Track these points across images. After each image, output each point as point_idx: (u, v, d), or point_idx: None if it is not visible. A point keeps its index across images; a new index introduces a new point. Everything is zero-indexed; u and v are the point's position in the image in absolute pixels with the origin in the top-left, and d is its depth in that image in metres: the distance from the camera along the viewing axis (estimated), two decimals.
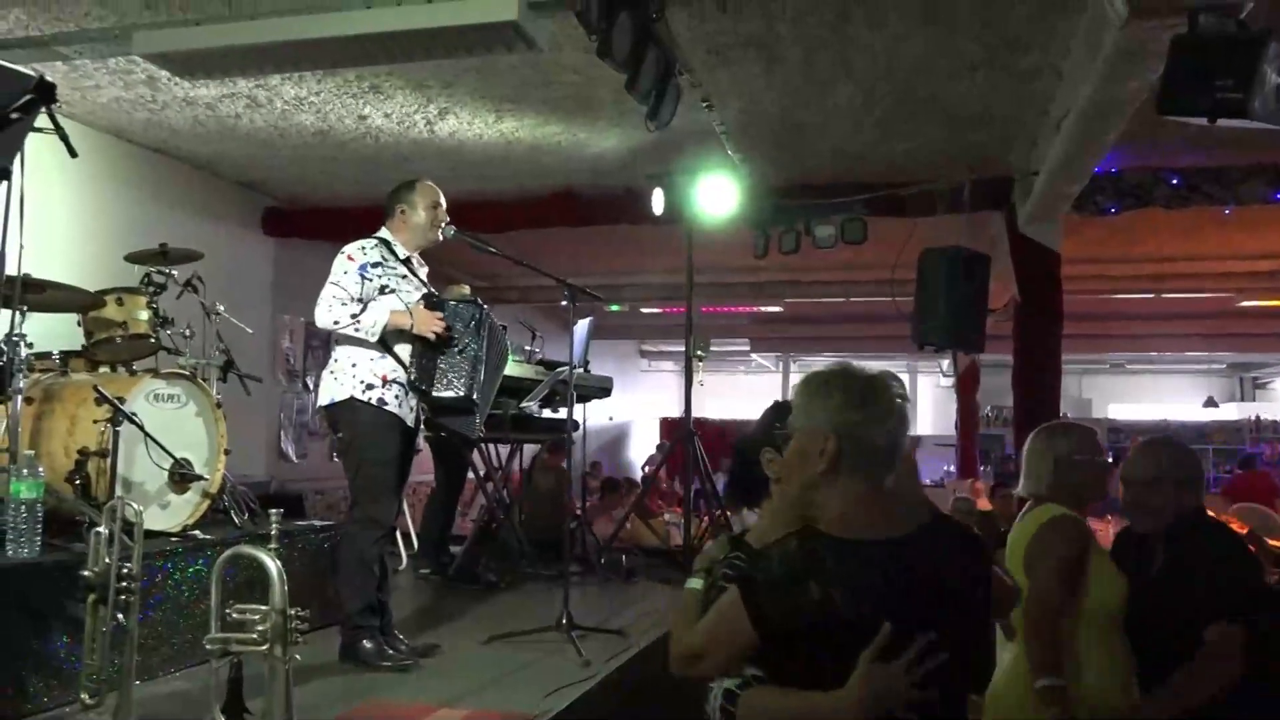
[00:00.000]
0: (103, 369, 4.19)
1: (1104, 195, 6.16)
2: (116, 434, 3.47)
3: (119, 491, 3.42)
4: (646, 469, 8.14)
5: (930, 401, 18.65)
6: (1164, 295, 10.25)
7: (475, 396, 3.66)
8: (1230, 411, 17.03)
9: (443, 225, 3.77)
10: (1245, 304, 10.80)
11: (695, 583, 1.86)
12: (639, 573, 5.69)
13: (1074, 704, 2.37)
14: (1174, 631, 2.45)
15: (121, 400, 3.51)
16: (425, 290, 3.74)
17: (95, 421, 3.55)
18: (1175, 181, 6.07)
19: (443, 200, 3.80)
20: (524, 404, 5.33)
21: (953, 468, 12.63)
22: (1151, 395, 18.07)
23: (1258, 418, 16.02)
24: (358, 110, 5.52)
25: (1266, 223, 7.22)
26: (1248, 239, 8.06)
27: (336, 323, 3.54)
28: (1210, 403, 17.27)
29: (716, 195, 6.12)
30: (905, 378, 18.82)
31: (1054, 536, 2.48)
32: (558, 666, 3.45)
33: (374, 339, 3.54)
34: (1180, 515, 2.56)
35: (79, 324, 4.23)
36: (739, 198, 6.18)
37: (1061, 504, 2.57)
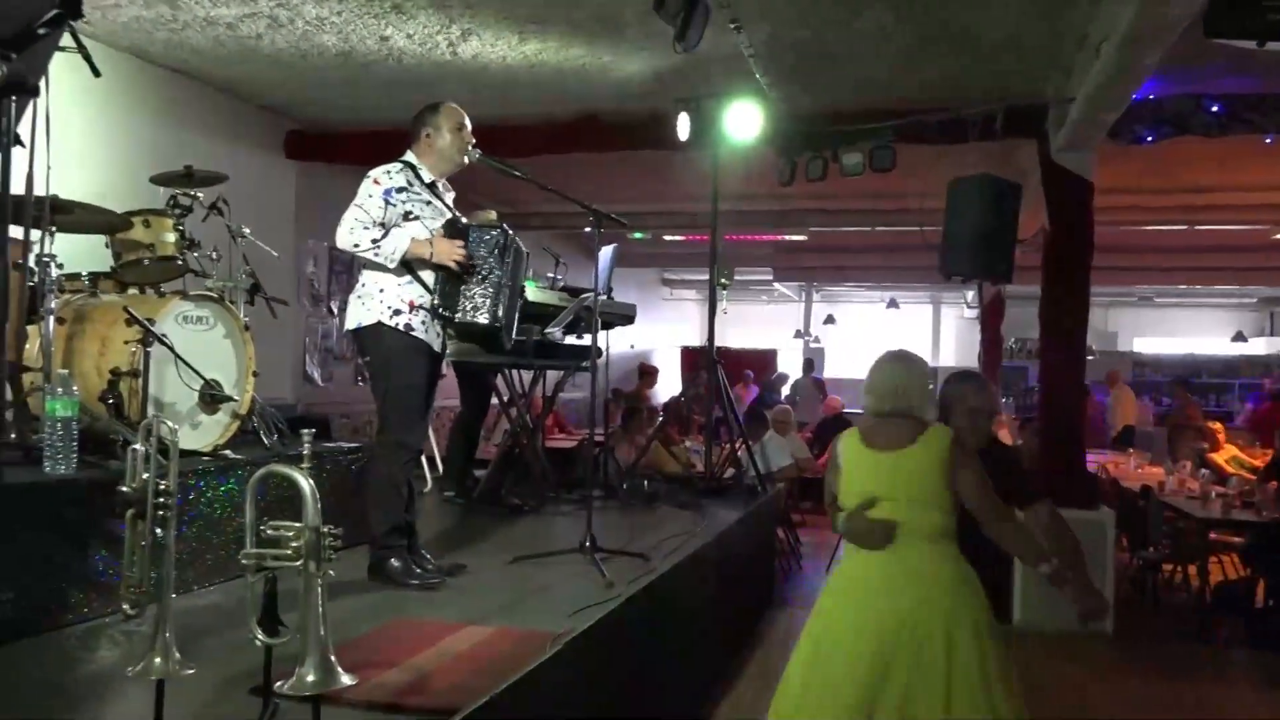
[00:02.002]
0: (131, 290, 4.22)
1: (1141, 123, 6.01)
2: (148, 354, 3.52)
3: (151, 411, 3.47)
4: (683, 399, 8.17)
5: (953, 332, 18.53)
6: (1197, 227, 10.06)
7: (499, 323, 3.67)
8: (1259, 346, 16.83)
9: (469, 148, 3.73)
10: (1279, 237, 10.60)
11: None
12: (660, 498, 5.76)
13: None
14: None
15: (151, 321, 3.54)
16: (450, 216, 3.72)
17: (126, 342, 3.59)
18: (1216, 109, 5.90)
19: (468, 123, 3.75)
20: (548, 330, 5.33)
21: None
22: (1179, 329, 17.86)
23: None
24: (379, 31, 5.44)
25: None
26: None
27: (356, 245, 3.53)
28: (1239, 337, 17.05)
29: (743, 121, 6.03)
30: (928, 308, 18.74)
31: (968, 450, 2.86)
32: (582, 587, 3.52)
33: (393, 265, 3.53)
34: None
35: (107, 245, 4.26)
36: (766, 123, 6.09)
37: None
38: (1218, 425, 9.30)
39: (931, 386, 2.96)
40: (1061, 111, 5.82)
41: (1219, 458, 8.60)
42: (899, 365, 2.93)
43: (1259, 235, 10.67)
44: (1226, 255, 12.24)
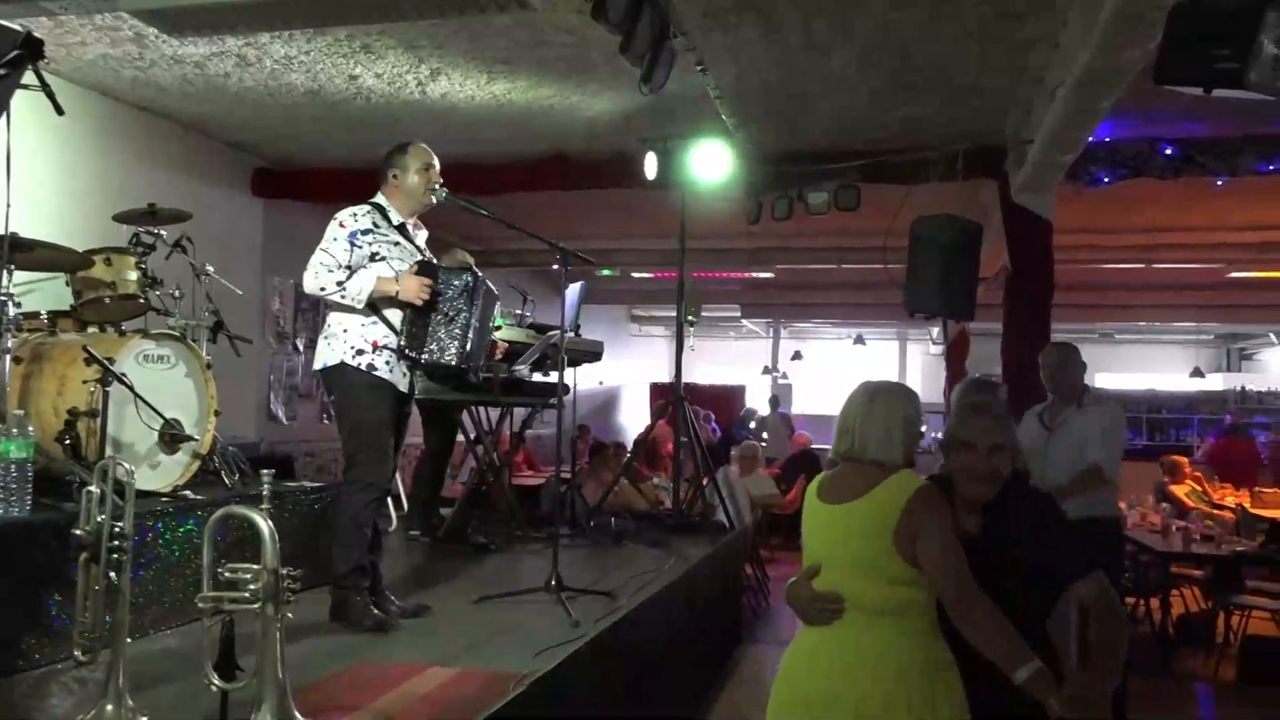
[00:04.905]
0: (91, 329, 4.18)
1: (1097, 165, 6.16)
2: (106, 394, 3.47)
3: (109, 451, 3.42)
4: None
5: (920, 369, 18.70)
6: (1154, 266, 10.28)
7: (467, 365, 3.67)
8: (1216, 382, 17.14)
9: (436, 188, 3.75)
10: (1235, 275, 10.84)
11: None
12: (628, 536, 5.74)
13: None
14: (1002, 592, 2.30)
15: (111, 360, 3.50)
16: (421, 257, 3.73)
17: (84, 382, 3.54)
18: (1169, 151, 6.06)
19: (436, 163, 3.77)
20: (515, 367, 5.33)
21: (941, 434, 12.70)
22: (1139, 365, 18.16)
23: (1243, 388, 16.13)
24: (348, 70, 5.46)
25: (1257, 194, 7.22)
26: (1238, 210, 8.07)
27: (323, 289, 3.53)
28: (1197, 373, 17.36)
29: (710, 161, 6.10)
30: (894, 345, 18.91)
31: (939, 506, 2.28)
32: (547, 627, 3.48)
33: (360, 305, 3.53)
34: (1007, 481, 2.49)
35: (67, 284, 4.21)
36: (733, 163, 6.16)
37: (912, 469, 2.39)
38: (1181, 459, 9.44)
39: (908, 421, 2.42)
40: (1021, 153, 5.95)
41: (1179, 491, 8.72)
42: (861, 398, 2.44)
43: (1214, 273, 10.90)
44: (1184, 293, 12.49)
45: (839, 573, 2.31)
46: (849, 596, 2.27)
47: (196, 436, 3.95)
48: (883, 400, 2.42)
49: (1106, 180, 6.24)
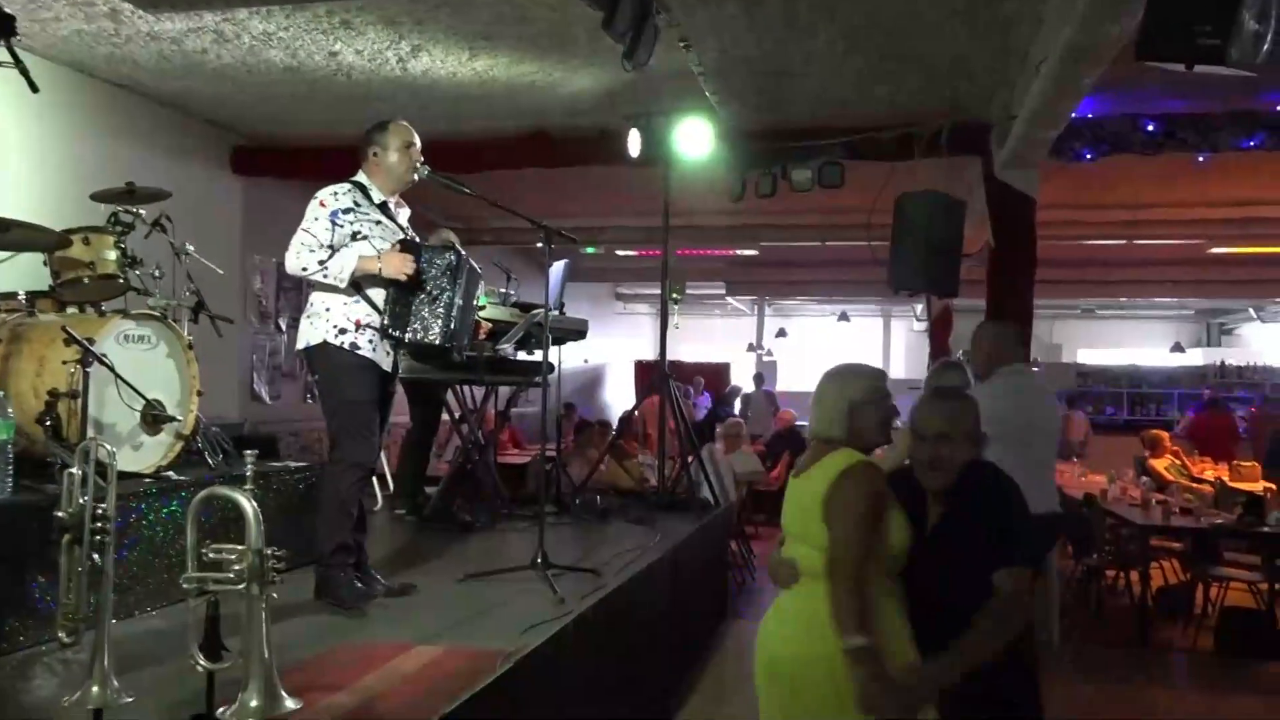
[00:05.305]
0: (70, 309, 4.14)
1: (1080, 141, 6.17)
2: (86, 375, 3.44)
3: (90, 433, 3.40)
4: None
5: (903, 345, 18.80)
6: (1136, 242, 10.33)
7: (451, 343, 3.66)
8: (1196, 357, 17.30)
9: (418, 166, 3.72)
10: (1215, 251, 10.91)
11: None
12: (613, 514, 5.76)
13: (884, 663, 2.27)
14: (952, 584, 2.39)
15: (91, 341, 3.47)
16: (403, 235, 3.71)
17: (64, 362, 3.51)
18: (1151, 128, 6.08)
19: (417, 140, 3.74)
20: (499, 346, 5.32)
21: None
22: (1120, 340, 18.30)
23: (1223, 363, 16.29)
24: (328, 46, 5.40)
25: (1238, 170, 7.26)
26: (1219, 186, 8.11)
27: (305, 269, 3.51)
28: (1177, 348, 17.52)
29: (694, 137, 6.08)
30: (879, 322, 18.99)
31: (858, 486, 2.37)
32: (533, 604, 3.50)
33: (343, 284, 3.51)
34: (966, 468, 2.49)
35: (45, 264, 4.17)
36: (716, 140, 6.14)
37: (857, 448, 2.48)
38: (1162, 433, 9.54)
39: (854, 402, 2.49)
40: (1005, 129, 5.95)
41: (1159, 465, 8.82)
42: (821, 380, 2.58)
43: (1195, 249, 10.98)
44: (1164, 269, 12.59)
45: (792, 540, 2.53)
46: (798, 561, 2.45)
47: (179, 417, 3.93)
48: (835, 382, 2.55)
49: (1089, 156, 6.25)
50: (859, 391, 2.51)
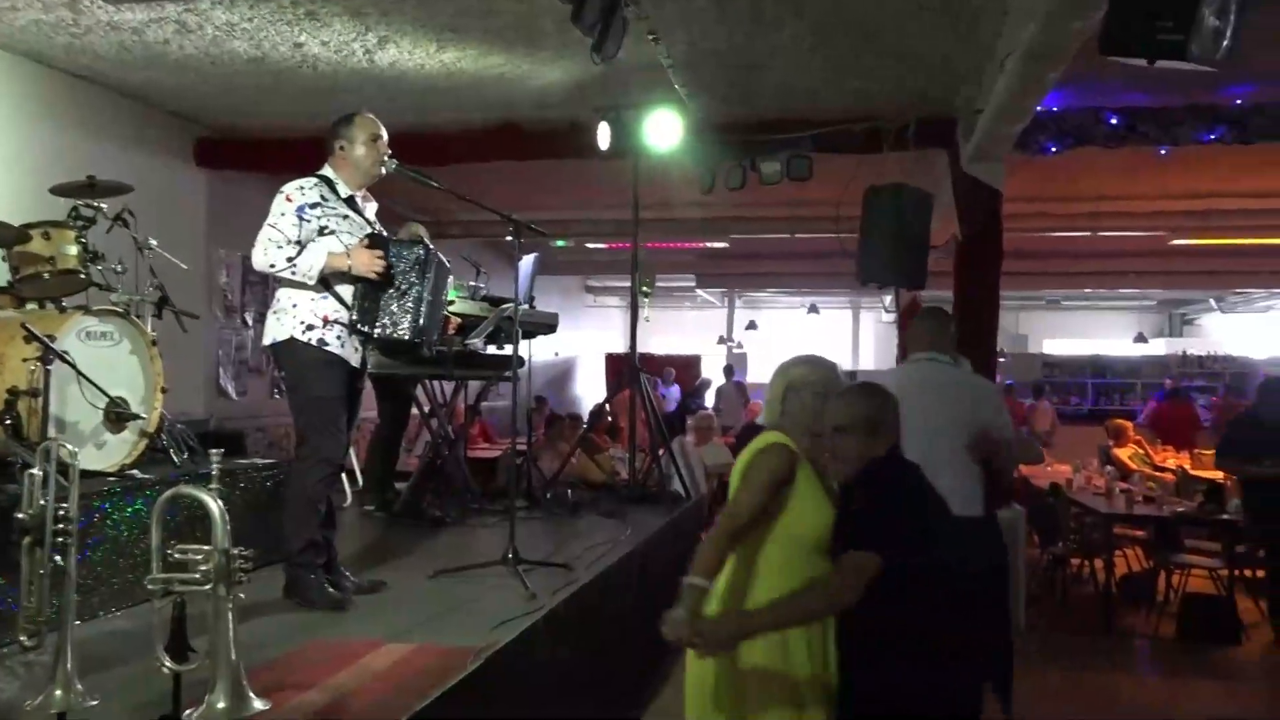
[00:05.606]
0: (30, 306, 4.06)
1: (1045, 134, 6.23)
2: (48, 373, 3.38)
3: (52, 432, 3.35)
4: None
5: (872, 337, 18.93)
6: (1100, 234, 10.47)
7: (420, 338, 3.63)
8: (1159, 347, 17.57)
9: (385, 159, 3.69)
10: (1177, 242, 11.08)
11: None
12: (584, 508, 5.76)
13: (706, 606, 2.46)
14: None
15: (52, 338, 3.41)
16: (371, 229, 3.67)
17: (24, 360, 3.45)
18: (1114, 121, 6.16)
19: (384, 133, 3.70)
20: (469, 340, 5.29)
21: None
22: (1085, 331, 18.55)
23: (1185, 353, 16.55)
24: (293, 38, 5.33)
25: (1199, 163, 7.37)
26: (1180, 179, 8.23)
27: (273, 266, 3.47)
28: (1140, 338, 17.78)
29: (663, 130, 6.07)
30: (848, 314, 19.09)
31: (762, 460, 2.57)
32: (504, 600, 3.50)
33: (312, 282, 3.48)
34: (870, 462, 2.49)
35: (4, 260, 4.08)
36: (685, 133, 6.14)
37: (786, 432, 2.60)
38: (1126, 423, 9.68)
39: (789, 389, 2.63)
40: (971, 123, 6.00)
41: (1123, 454, 8.95)
42: (774, 371, 2.76)
43: (1157, 240, 11.14)
44: (1127, 260, 12.76)
45: None
46: None
47: (143, 414, 3.87)
48: (779, 371, 2.72)
49: (1054, 149, 6.32)
50: (795, 378, 2.65)
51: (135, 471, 3.80)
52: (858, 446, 2.48)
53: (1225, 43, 2.85)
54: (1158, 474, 8.52)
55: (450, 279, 4.10)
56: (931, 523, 2.52)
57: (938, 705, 2.42)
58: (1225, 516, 6.65)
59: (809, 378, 2.64)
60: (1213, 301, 17.72)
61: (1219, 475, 7.35)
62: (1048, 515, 7.34)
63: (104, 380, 3.69)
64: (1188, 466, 8.72)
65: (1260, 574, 6.67)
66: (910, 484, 2.54)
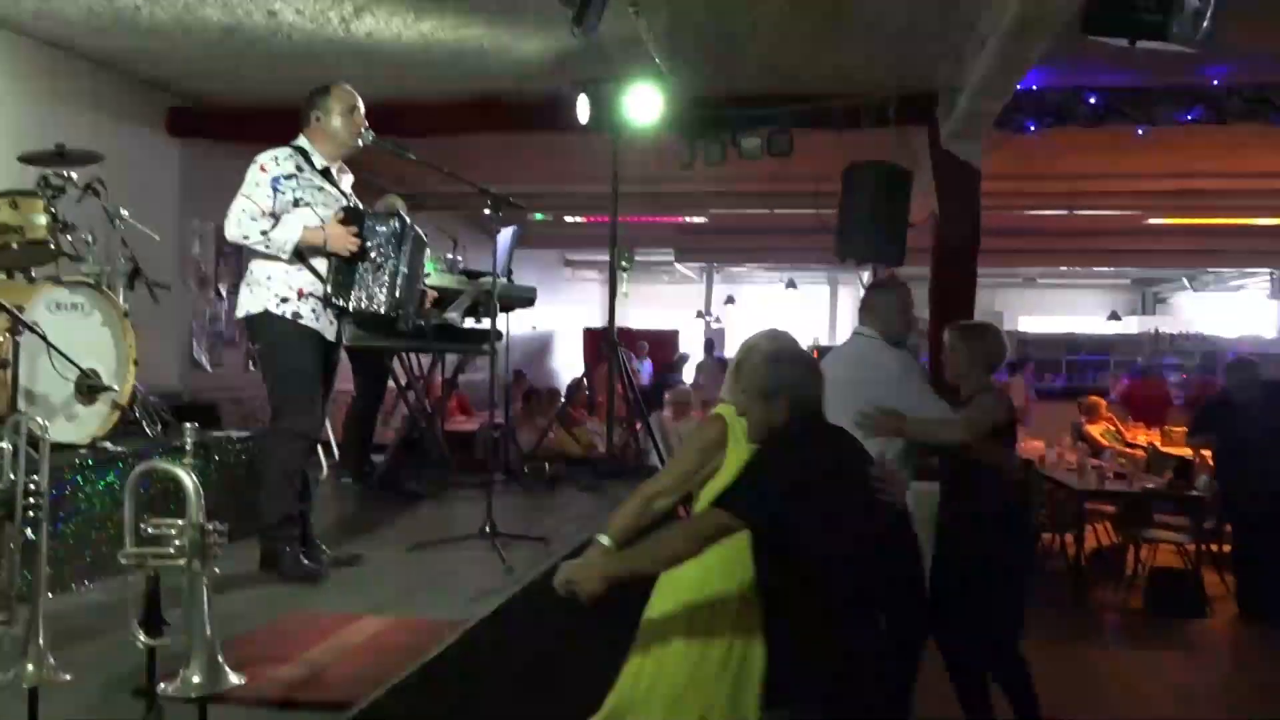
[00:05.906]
0: None
1: (1025, 113, 6.25)
2: (17, 344, 3.33)
3: (22, 404, 3.31)
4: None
5: (850, 313, 18.98)
6: (1076, 212, 10.53)
7: (396, 313, 3.60)
8: (1132, 325, 17.75)
9: (362, 131, 3.64)
10: (1152, 221, 11.17)
11: None
12: (561, 481, 5.76)
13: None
14: None
15: (21, 309, 3.36)
16: (346, 202, 3.63)
17: None
18: (1094, 101, 6.18)
19: (361, 105, 3.65)
20: (447, 314, 5.26)
21: None
22: (1060, 309, 18.71)
23: (1157, 331, 16.73)
24: (267, 5, 5.24)
25: (1175, 143, 7.41)
26: (1157, 159, 8.27)
27: (246, 237, 3.41)
28: (1114, 316, 17.96)
29: (643, 104, 6.03)
30: (825, 289, 19.15)
31: (697, 431, 2.84)
32: (482, 573, 3.50)
33: (286, 256, 3.43)
34: (772, 428, 2.51)
35: None
36: (666, 107, 6.10)
37: (733, 403, 2.67)
38: (1099, 400, 9.78)
39: (746, 363, 2.59)
40: (951, 100, 6.00)
41: (1095, 430, 9.06)
42: None
43: (1132, 219, 11.23)
44: (1102, 239, 12.86)
45: None
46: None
47: (115, 386, 3.83)
48: (741, 350, 2.70)
49: (1033, 128, 6.35)
50: (743, 351, 2.66)
51: (108, 444, 3.76)
52: (755, 412, 2.52)
53: (1205, 24, 2.87)
54: (1129, 450, 8.63)
55: (427, 252, 4.07)
56: (819, 492, 2.40)
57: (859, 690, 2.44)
58: (1194, 493, 6.75)
59: (760, 345, 2.62)
60: (1185, 280, 17.90)
61: (1188, 452, 7.46)
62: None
63: (75, 352, 3.64)
64: (1158, 443, 8.84)
65: (1226, 548, 6.80)
66: (792, 453, 2.46)
